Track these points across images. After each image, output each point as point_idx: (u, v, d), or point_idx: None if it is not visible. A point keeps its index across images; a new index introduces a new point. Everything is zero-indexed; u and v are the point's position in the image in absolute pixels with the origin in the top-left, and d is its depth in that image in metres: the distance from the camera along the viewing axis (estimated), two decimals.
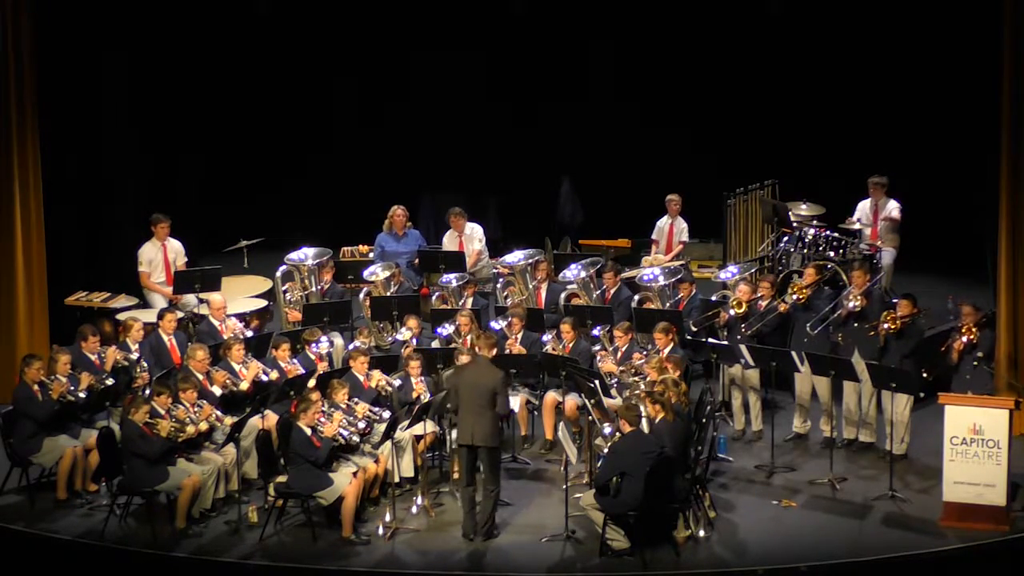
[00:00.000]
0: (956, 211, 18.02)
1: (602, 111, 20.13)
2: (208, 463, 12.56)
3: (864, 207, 16.41)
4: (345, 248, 17.51)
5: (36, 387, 12.88)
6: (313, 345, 13.89)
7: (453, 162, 20.23)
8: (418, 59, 20.23)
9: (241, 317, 15.08)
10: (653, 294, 15.33)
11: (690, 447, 12.38)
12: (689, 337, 14.37)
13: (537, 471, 13.53)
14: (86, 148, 16.96)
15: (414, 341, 14.39)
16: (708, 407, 12.83)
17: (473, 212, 17.57)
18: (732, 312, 14.07)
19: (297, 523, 12.37)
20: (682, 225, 17.38)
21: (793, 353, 13.33)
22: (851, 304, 13.69)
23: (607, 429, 12.11)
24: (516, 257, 15.99)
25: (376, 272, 16.12)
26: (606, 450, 11.97)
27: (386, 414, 12.87)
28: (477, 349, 12.60)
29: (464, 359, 13.18)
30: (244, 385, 13.30)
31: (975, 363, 12.92)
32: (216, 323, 14.56)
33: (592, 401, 12.71)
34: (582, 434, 13.25)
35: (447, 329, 14.57)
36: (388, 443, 12.72)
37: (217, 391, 13.14)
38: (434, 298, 16.05)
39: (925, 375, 13.04)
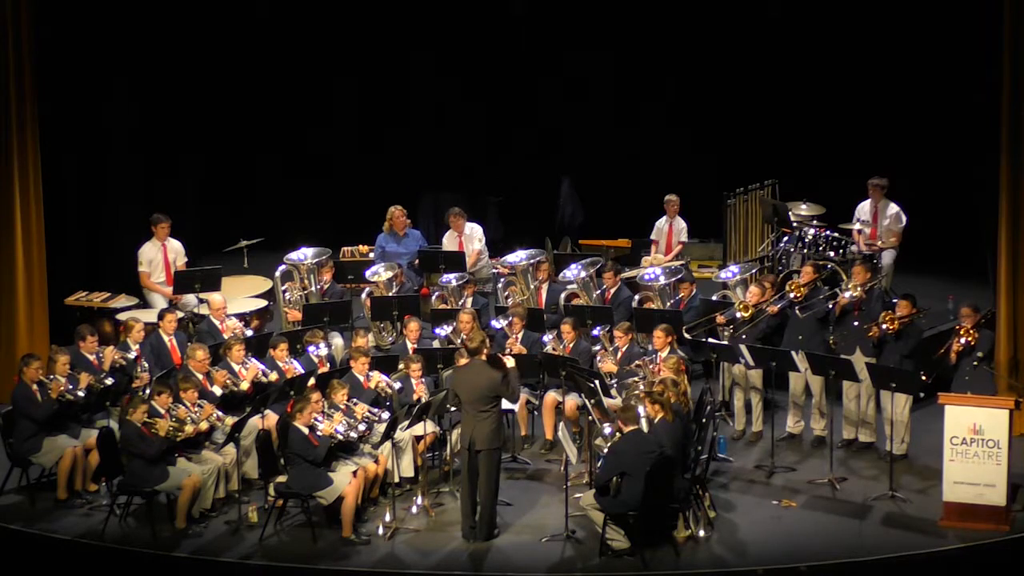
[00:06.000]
0: (956, 211, 18.01)
1: (602, 111, 20.13)
2: (208, 463, 12.57)
3: (864, 208, 16.40)
4: (345, 248, 17.52)
5: (35, 387, 12.88)
6: (313, 347, 13.88)
7: (453, 162, 20.24)
8: (418, 59, 20.23)
9: (241, 317, 15.09)
10: (654, 293, 15.33)
11: (690, 447, 12.39)
12: (688, 337, 14.36)
13: (537, 471, 13.53)
14: (86, 148, 16.96)
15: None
16: (708, 407, 12.83)
17: (473, 212, 17.58)
18: (738, 315, 14.05)
19: (297, 523, 12.38)
20: (680, 225, 17.38)
21: (793, 353, 13.33)
22: (847, 295, 13.68)
23: (607, 429, 12.11)
24: (518, 257, 16.00)
25: (379, 272, 16.13)
26: (606, 450, 11.98)
27: (385, 415, 12.87)
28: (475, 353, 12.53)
29: (463, 360, 13.17)
30: (244, 385, 13.31)
31: (975, 363, 12.92)
32: (216, 323, 14.56)
33: (592, 401, 12.72)
34: (582, 434, 13.25)
35: (445, 330, 14.57)
36: (388, 443, 12.72)
37: (217, 391, 13.15)
38: (434, 298, 16.05)
39: (924, 377, 13.03)
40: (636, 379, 13.22)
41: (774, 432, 13.66)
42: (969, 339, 12.93)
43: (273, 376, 13.49)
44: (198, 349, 13.36)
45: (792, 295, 13.99)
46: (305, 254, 15.99)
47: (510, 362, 12.43)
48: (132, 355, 13.73)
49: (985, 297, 14.77)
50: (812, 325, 13.87)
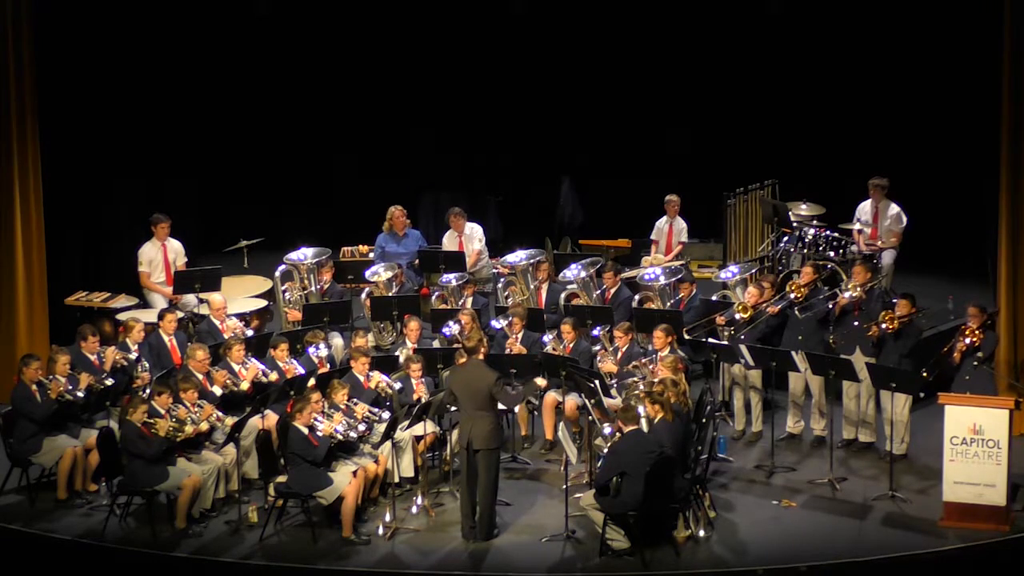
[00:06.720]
0: (956, 211, 18.01)
1: (602, 111, 20.12)
2: (208, 463, 12.57)
3: (865, 208, 16.40)
4: (345, 248, 17.52)
5: (34, 387, 12.88)
6: (313, 348, 13.88)
7: (453, 162, 20.24)
8: (418, 59, 20.21)
9: (241, 317, 15.09)
10: (653, 293, 15.33)
11: (690, 447, 12.39)
12: (688, 337, 14.36)
13: (537, 471, 13.53)
14: (86, 148, 16.95)
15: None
16: (708, 407, 12.83)
17: (473, 212, 17.58)
18: (737, 316, 14.05)
19: (297, 523, 12.38)
20: (681, 225, 17.38)
21: (793, 353, 13.32)
22: (847, 294, 13.68)
23: (607, 429, 12.11)
24: (518, 257, 16.00)
25: (378, 272, 16.13)
26: (606, 450, 11.98)
27: (386, 415, 12.87)
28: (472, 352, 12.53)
29: (463, 360, 13.16)
30: (244, 385, 13.31)
31: (975, 364, 12.91)
32: (216, 323, 14.56)
33: (592, 401, 12.71)
34: (582, 434, 13.25)
35: (452, 328, 14.56)
36: (388, 443, 12.72)
37: (217, 391, 13.15)
38: (434, 298, 16.06)
39: (925, 375, 13.04)
40: (636, 379, 13.22)
41: (774, 432, 13.66)
42: (974, 339, 12.92)
43: (273, 376, 13.50)
44: (198, 349, 13.36)
45: (792, 295, 13.99)
46: (305, 254, 15.99)
47: (541, 382, 12.70)
48: (133, 355, 13.73)
49: (986, 298, 14.75)
50: (812, 325, 13.87)
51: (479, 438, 11.96)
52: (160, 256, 15.91)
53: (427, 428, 12.80)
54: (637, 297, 15.38)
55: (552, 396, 13.83)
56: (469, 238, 16.90)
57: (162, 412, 12.40)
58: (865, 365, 13.24)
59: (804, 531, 12.25)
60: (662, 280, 15.40)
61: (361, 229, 17.70)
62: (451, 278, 15.96)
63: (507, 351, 14.03)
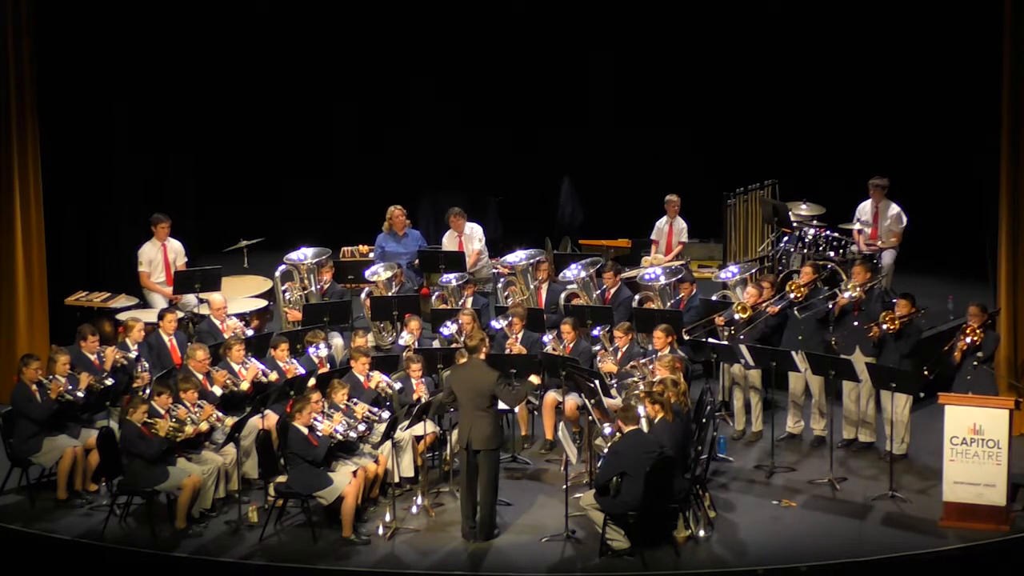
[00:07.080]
0: (956, 211, 18.01)
1: (602, 111, 20.12)
2: (208, 463, 12.57)
3: (865, 208, 16.41)
4: (345, 248, 17.52)
5: (34, 387, 12.88)
6: (313, 348, 13.88)
7: (453, 162, 20.24)
8: (418, 59, 20.22)
9: (241, 317, 15.09)
10: (654, 293, 15.33)
11: (690, 447, 12.39)
12: (688, 337, 14.37)
13: (537, 471, 13.53)
14: (86, 148, 16.96)
15: (414, 343, 14.39)
16: (708, 407, 12.83)
17: (473, 212, 17.58)
18: (737, 317, 14.05)
19: (297, 523, 12.38)
20: (681, 225, 17.38)
21: (793, 353, 13.32)
22: (847, 294, 13.68)
23: (607, 429, 12.11)
24: (517, 257, 16.00)
25: (378, 272, 16.13)
26: (606, 450, 11.98)
27: (385, 414, 12.88)
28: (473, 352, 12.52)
29: (463, 359, 13.17)
30: (244, 385, 13.31)
31: (975, 363, 12.91)
32: (217, 323, 14.57)
33: (592, 401, 12.71)
34: (582, 434, 13.25)
35: (450, 328, 14.57)
36: (388, 443, 12.72)
37: (217, 391, 13.15)
38: (434, 298, 16.06)
39: (926, 373, 13.04)
40: (636, 379, 13.22)
41: (774, 432, 13.66)
42: (975, 338, 12.93)
43: (273, 376, 13.50)
44: (198, 349, 13.36)
45: (792, 295, 14.00)
46: (305, 254, 15.99)
47: (536, 379, 12.66)
48: (133, 355, 13.73)
49: (986, 297, 14.75)
50: (812, 325, 13.87)
51: (479, 438, 11.96)
52: (160, 256, 15.92)
53: (427, 428, 12.80)
54: (637, 297, 15.38)
55: (552, 396, 13.84)
56: (469, 238, 16.90)
57: (162, 412, 12.41)
58: (865, 365, 13.24)
59: (804, 531, 12.26)
60: (662, 280, 15.40)
61: (361, 229, 17.70)
62: (451, 278, 15.96)
63: (507, 351, 14.03)
